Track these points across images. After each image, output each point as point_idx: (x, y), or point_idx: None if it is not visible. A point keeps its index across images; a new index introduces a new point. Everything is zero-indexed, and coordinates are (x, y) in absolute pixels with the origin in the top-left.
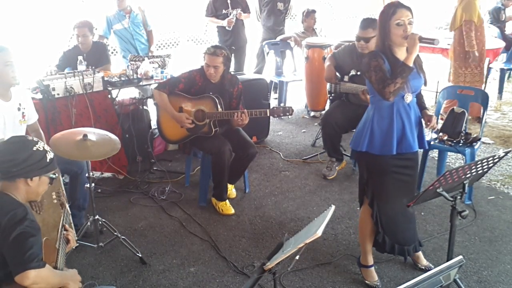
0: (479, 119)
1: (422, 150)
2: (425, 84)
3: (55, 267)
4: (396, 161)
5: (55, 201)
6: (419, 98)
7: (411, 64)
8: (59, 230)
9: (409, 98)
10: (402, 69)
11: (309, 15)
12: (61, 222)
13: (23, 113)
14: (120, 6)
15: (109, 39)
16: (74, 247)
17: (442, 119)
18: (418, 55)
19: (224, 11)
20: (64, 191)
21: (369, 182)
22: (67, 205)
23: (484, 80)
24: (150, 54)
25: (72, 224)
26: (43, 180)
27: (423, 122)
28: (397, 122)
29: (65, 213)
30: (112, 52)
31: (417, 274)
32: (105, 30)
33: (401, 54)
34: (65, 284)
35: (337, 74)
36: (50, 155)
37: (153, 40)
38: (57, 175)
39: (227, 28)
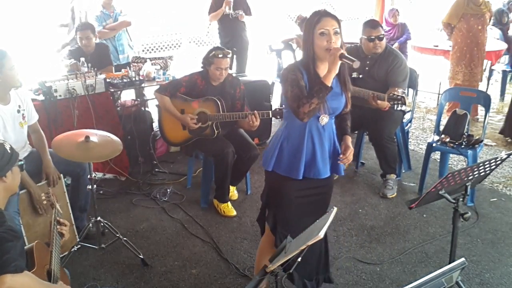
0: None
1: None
2: (347, 106)
3: (50, 270)
4: (303, 184)
5: (45, 202)
6: (343, 120)
7: (329, 83)
8: (51, 231)
9: (324, 120)
10: (319, 89)
11: (303, 23)
12: (52, 222)
13: (23, 114)
14: (106, 5)
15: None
16: (76, 248)
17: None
18: (345, 72)
19: (225, 12)
20: (62, 192)
21: (272, 205)
22: (57, 206)
23: (486, 81)
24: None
25: (74, 226)
26: (15, 172)
27: (340, 149)
28: (307, 144)
29: (55, 213)
30: None
31: (419, 276)
32: (99, 28)
33: (324, 69)
34: None
35: None
36: (7, 145)
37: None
38: (23, 161)
39: (227, 11)
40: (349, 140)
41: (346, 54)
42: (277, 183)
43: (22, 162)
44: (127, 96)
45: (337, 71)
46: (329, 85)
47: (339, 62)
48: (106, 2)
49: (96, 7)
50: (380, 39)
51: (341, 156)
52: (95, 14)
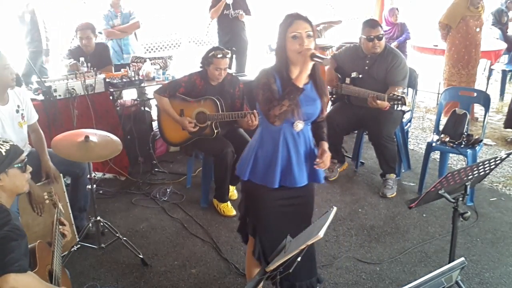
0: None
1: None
2: (322, 112)
3: (51, 270)
4: (281, 193)
5: (47, 201)
6: (319, 127)
7: (300, 84)
8: (53, 231)
9: (299, 126)
10: (290, 90)
11: None
12: (54, 222)
13: (22, 114)
14: (114, 5)
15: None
16: (76, 248)
17: None
18: (321, 77)
19: (225, 12)
20: (62, 191)
21: (250, 213)
22: (59, 205)
23: (486, 81)
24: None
25: (74, 226)
26: (12, 173)
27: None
28: (282, 152)
29: (57, 213)
30: None
31: (418, 276)
32: (106, 26)
33: (297, 73)
34: None
35: (339, 75)
36: (4, 147)
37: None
38: (26, 159)
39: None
40: (326, 145)
41: (317, 54)
42: (254, 192)
43: (21, 165)
44: (129, 95)
45: (308, 72)
46: (301, 86)
47: (311, 63)
48: (114, 2)
49: (104, 6)
50: (380, 38)
51: (317, 160)
52: (103, 12)
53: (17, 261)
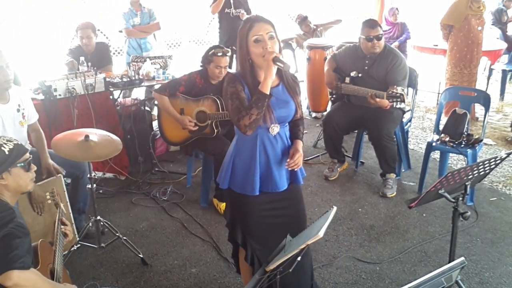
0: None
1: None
2: (297, 112)
3: (53, 269)
4: (262, 198)
5: (49, 201)
6: (295, 125)
7: (267, 91)
8: (54, 231)
9: (275, 130)
10: (257, 98)
11: (303, 22)
12: (56, 222)
13: (23, 113)
14: (133, 4)
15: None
16: (75, 247)
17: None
18: (293, 76)
19: (226, 10)
20: (62, 191)
21: (237, 221)
22: (61, 205)
23: (486, 80)
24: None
25: (74, 225)
26: (15, 172)
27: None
28: (260, 158)
29: (59, 213)
30: (114, 53)
31: (418, 275)
32: (127, 25)
33: None
34: None
35: (338, 75)
36: (8, 147)
37: (154, 28)
38: (31, 156)
39: None
40: (300, 144)
41: (280, 58)
42: (237, 200)
43: (24, 164)
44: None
45: (273, 77)
46: (267, 92)
47: (275, 67)
48: (133, 0)
49: (124, 4)
50: (379, 38)
51: (288, 160)
52: (123, 11)
53: (21, 258)
